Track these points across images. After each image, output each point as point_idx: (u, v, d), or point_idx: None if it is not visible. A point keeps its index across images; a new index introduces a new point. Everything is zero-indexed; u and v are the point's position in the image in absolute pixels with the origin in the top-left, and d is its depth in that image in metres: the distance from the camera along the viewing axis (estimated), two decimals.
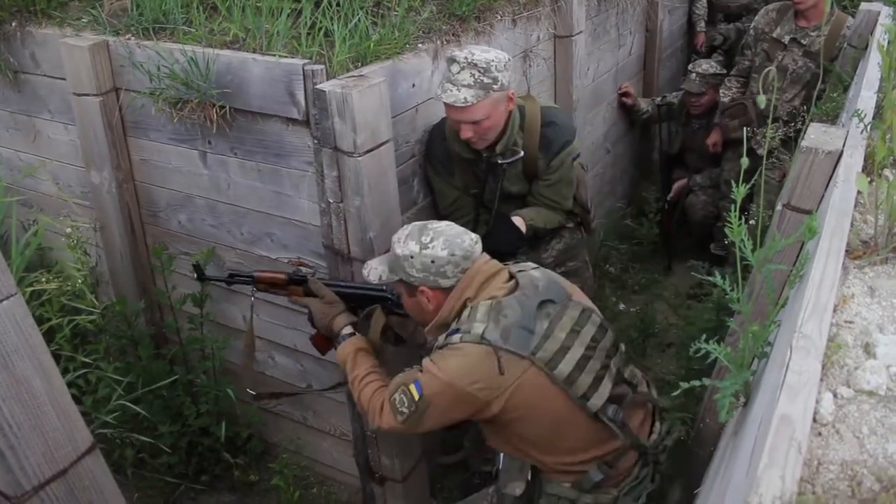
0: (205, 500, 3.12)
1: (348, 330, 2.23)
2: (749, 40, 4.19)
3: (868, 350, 1.19)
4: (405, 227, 2.08)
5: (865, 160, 1.76)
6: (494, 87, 2.42)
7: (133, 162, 2.92)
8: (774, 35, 3.97)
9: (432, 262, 1.97)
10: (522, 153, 2.62)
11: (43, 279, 2.77)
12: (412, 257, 1.98)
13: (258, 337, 2.98)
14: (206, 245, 2.88)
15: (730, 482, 1.32)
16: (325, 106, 2.25)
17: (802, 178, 1.80)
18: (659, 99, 4.82)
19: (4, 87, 3.14)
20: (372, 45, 2.46)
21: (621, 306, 4.44)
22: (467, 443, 2.72)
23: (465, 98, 2.38)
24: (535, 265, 2.14)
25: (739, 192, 1.36)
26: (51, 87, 2.99)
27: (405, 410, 1.92)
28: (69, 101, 2.85)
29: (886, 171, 1.76)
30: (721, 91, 4.35)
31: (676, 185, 4.77)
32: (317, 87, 2.27)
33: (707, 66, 4.50)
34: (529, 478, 2.07)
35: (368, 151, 2.30)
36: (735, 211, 1.36)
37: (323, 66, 2.31)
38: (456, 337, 1.91)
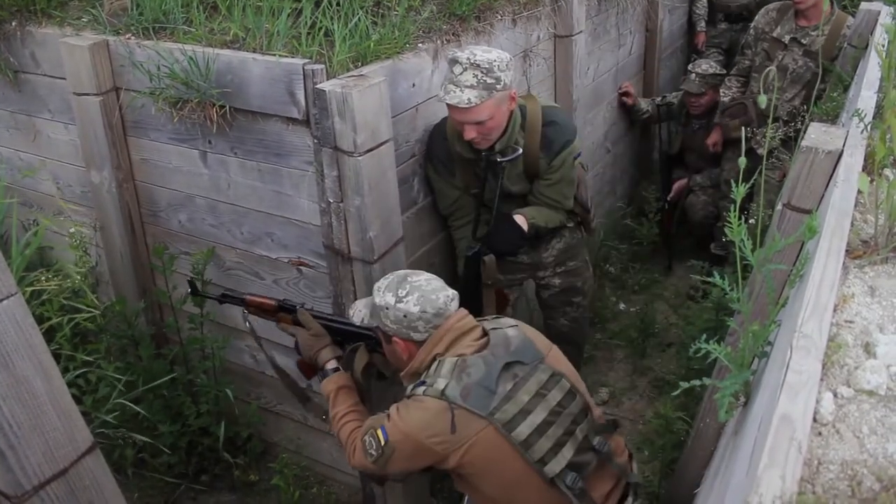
0: (205, 500, 3.12)
1: (332, 365, 2.29)
2: (749, 40, 4.19)
3: (868, 350, 1.19)
4: (389, 275, 2.12)
5: (865, 160, 1.76)
6: (497, 87, 2.42)
7: (133, 161, 2.93)
8: (774, 34, 3.97)
9: (404, 316, 2.01)
10: (521, 150, 2.62)
11: (43, 278, 2.77)
12: (387, 308, 2.03)
13: (262, 338, 2.98)
14: (206, 245, 2.88)
15: (730, 482, 1.32)
16: (326, 105, 2.25)
17: (802, 177, 1.80)
18: (659, 99, 4.83)
19: (4, 86, 3.14)
20: (372, 44, 2.46)
21: (621, 306, 4.44)
22: None
23: (468, 99, 2.38)
24: (514, 322, 2.12)
25: (739, 191, 1.36)
26: (51, 87, 2.99)
27: (374, 453, 1.99)
28: (69, 100, 2.85)
29: (887, 171, 1.76)
30: (721, 91, 4.35)
31: (676, 185, 4.77)
32: (317, 86, 2.27)
33: (707, 66, 4.50)
34: None
35: (368, 151, 2.30)
36: (735, 211, 1.36)
37: (323, 66, 2.31)
38: (420, 389, 1.95)
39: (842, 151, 1.77)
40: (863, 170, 1.71)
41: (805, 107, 3.79)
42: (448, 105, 2.46)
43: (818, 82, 3.38)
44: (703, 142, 4.52)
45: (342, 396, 2.22)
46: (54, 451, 1.62)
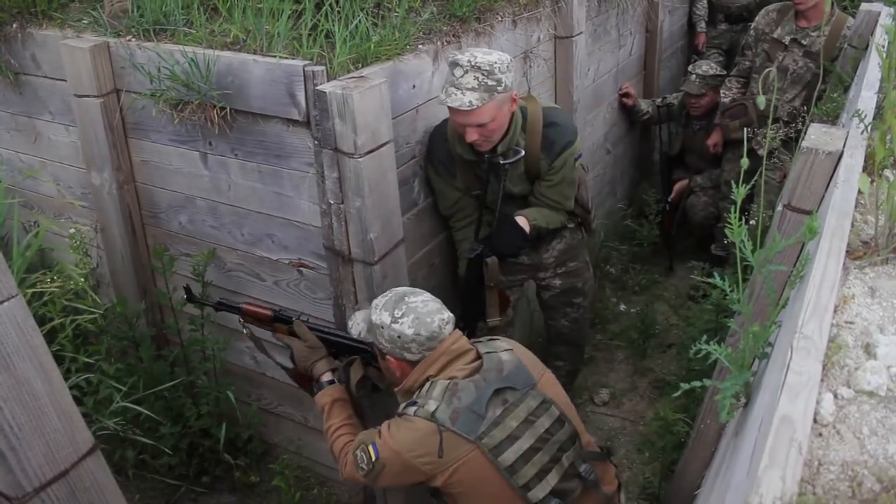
0: (205, 501, 3.12)
1: (327, 377, 2.32)
2: (749, 41, 4.19)
3: (868, 350, 1.19)
4: (388, 292, 2.13)
5: (866, 161, 1.76)
6: (499, 88, 2.42)
7: (134, 163, 2.93)
8: (775, 35, 3.97)
9: (398, 337, 2.03)
10: (523, 152, 2.62)
11: (45, 279, 2.77)
12: (382, 328, 2.05)
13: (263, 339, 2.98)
14: (206, 246, 2.88)
15: (730, 483, 1.32)
16: (326, 107, 2.25)
17: (803, 178, 1.80)
18: (659, 100, 4.83)
19: (5, 88, 3.15)
20: (372, 46, 2.46)
21: (622, 307, 4.44)
22: None
23: (470, 101, 2.38)
24: (508, 346, 2.13)
25: (739, 192, 1.36)
26: (51, 89, 2.99)
27: (364, 467, 2.02)
28: (70, 102, 2.85)
29: (887, 172, 1.76)
30: (721, 92, 4.36)
31: (677, 186, 4.77)
32: (317, 88, 2.27)
33: (707, 67, 4.50)
34: None
35: (369, 152, 2.30)
36: (735, 212, 1.36)
37: (323, 68, 2.32)
38: (411, 409, 1.98)
39: (842, 152, 1.77)
40: (863, 170, 1.71)
41: (805, 107, 3.79)
42: (449, 108, 2.46)
43: (818, 83, 3.39)
44: (704, 143, 4.52)
45: (336, 409, 2.26)
46: (55, 453, 1.62)
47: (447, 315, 2.07)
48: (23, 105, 3.14)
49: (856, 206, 1.61)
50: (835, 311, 1.28)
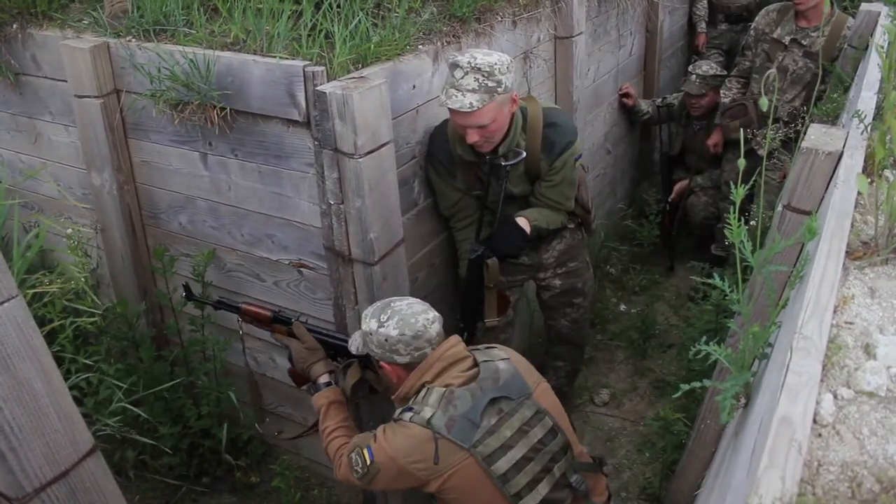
0: (206, 502, 3.12)
1: (325, 379, 2.34)
2: (749, 41, 4.19)
3: (868, 351, 1.19)
4: (377, 302, 2.17)
5: (866, 161, 1.76)
6: (499, 90, 2.42)
7: (134, 164, 2.93)
8: (775, 36, 3.97)
9: (385, 340, 2.06)
10: (524, 154, 2.62)
11: (45, 280, 2.77)
12: (371, 334, 2.08)
13: (259, 339, 2.98)
14: (206, 246, 2.88)
15: (730, 483, 1.32)
16: (326, 107, 2.25)
17: (803, 178, 1.80)
18: (659, 100, 4.83)
19: (5, 88, 3.15)
20: (372, 46, 2.46)
21: (622, 307, 4.44)
22: None
23: (470, 103, 2.38)
24: (505, 355, 2.15)
25: (738, 193, 1.36)
26: (52, 89, 2.99)
27: (359, 470, 2.05)
28: (70, 102, 2.85)
29: (887, 172, 1.76)
30: (721, 92, 4.36)
31: (677, 186, 4.77)
32: (317, 88, 2.27)
33: (707, 67, 4.50)
34: None
35: (369, 153, 2.30)
36: (735, 212, 1.36)
37: (323, 68, 2.32)
38: (407, 415, 2.01)
39: (842, 153, 1.77)
40: (863, 171, 1.71)
41: (805, 108, 3.79)
42: (450, 109, 2.46)
43: (818, 83, 3.39)
44: (704, 143, 4.52)
45: (333, 411, 2.28)
46: (55, 453, 1.62)
47: (432, 315, 2.09)
48: (23, 105, 3.14)
49: (855, 207, 1.61)
50: (834, 312, 1.28)
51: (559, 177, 2.73)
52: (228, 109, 2.50)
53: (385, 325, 2.05)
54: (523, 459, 1.98)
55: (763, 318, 1.54)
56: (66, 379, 1.81)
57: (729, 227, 1.36)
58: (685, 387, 1.44)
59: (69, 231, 2.92)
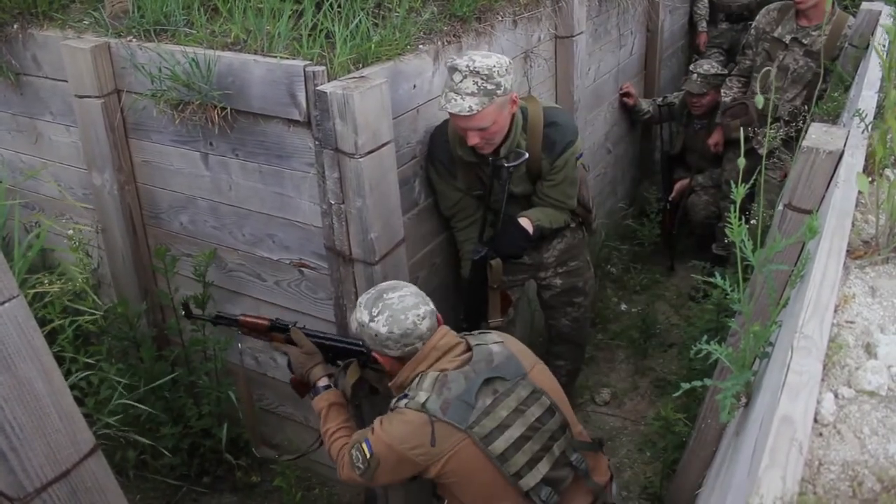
0: (206, 502, 3.13)
1: (324, 382, 2.34)
2: (750, 40, 4.18)
3: (869, 350, 1.19)
4: (372, 289, 2.16)
5: (866, 160, 1.76)
6: (498, 92, 2.42)
7: (135, 164, 2.93)
8: (775, 35, 3.97)
9: (375, 335, 2.07)
10: (527, 155, 2.62)
11: (45, 280, 2.77)
12: (363, 326, 2.09)
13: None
14: (207, 246, 2.88)
15: (731, 482, 1.32)
16: (327, 107, 2.25)
17: (803, 178, 1.80)
18: (660, 99, 4.83)
19: (6, 89, 3.15)
20: (373, 46, 2.46)
21: (623, 307, 4.44)
22: None
23: (470, 107, 2.38)
24: (499, 338, 2.15)
25: (739, 192, 1.36)
26: (52, 89, 2.99)
27: (360, 466, 2.05)
28: (71, 102, 2.85)
29: (887, 171, 1.76)
30: (722, 91, 4.35)
31: (678, 186, 4.77)
32: (318, 88, 2.27)
33: (708, 66, 4.50)
34: None
35: (370, 153, 2.30)
36: (735, 211, 1.36)
37: (324, 68, 2.32)
38: (402, 402, 2.02)
39: (843, 152, 1.77)
40: (864, 170, 1.71)
41: (806, 107, 3.78)
42: (450, 113, 2.46)
43: (819, 82, 3.39)
44: (705, 142, 4.52)
45: (333, 413, 2.28)
46: (56, 453, 1.62)
47: (423, 310, 2.07)
48: (24, 106, 3.14)
49: (856, 206, 1.61)
50: (835, 311, 1.28)
51: (561, 176, 2.73)
52: (229, 109, 2.50)
53: (375, 319, 2.05)
54: (521, 438, 1.98)
55: (764, 317, 1.54)
56: (66, 378, 1.81)
57: (730, 226, 1.36)
58: (686, 386, 1.44)
59: (71, 232, 2.92)
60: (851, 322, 1.27)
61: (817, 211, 1.77)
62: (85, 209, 3.13)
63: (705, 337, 1.45)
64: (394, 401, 2.07)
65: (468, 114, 2.39)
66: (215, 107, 2.49)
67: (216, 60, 2.44)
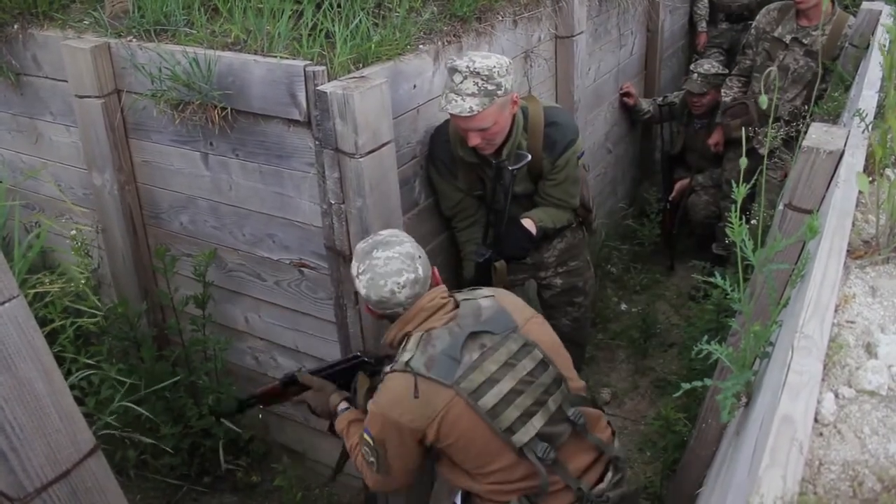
0: (207, 502, 3.12)
1: (343, 406, 2.32)
2: (750, 40, 4.19)
3: (869, 350, 1.19)
4: (369, 237, 2.13)
5: (867, 160, 1.76)
6: (499, 92, 2.42)
7: (135, 164, 2.93)
8: (776, 34, 3.97)
9: (356, 292, 2.09)
10: (529, 156, 2.61)
11: (46, 280, 2.77)
12: (353, 277, 2.09)
13: (260, 339, 2.98)
14: (207, 246, 2.88)
15: (731, 482, 1.32)
16: (327, 107, 2.25)
17: (804, 177, 1.80)
18: (660, 99, 4.83)
19: (6, 89, 3.15)
20: (373, 46, 2.46)
21: (623, 306, 4.44)
22: None
23: (470, 107, 2.38)
24: (490, 292, 2.11)
25: (740, 191, 1.36)
26: (52, 89, 2.99)
27: (372, 460, 2.01)
28: (71, 103, 2.85)
29: (888, 171, 1.76)
30: (723, 91, 4.36)
31: (678, 185, 4.77)
32: (318, 88, 2.27)
33: (709, 66, 4.51)
34: (459, 502, 2.09)
35: (370, 152, 2.30)
36: (736, 211, 1.36)
37: (324, 68, 2.32)
38: (388, 367, 2.00)
39: (843, 151, 1.77)
40: (864, 170, 1.71)
41: (806, 107, 3.78)
42: (451, 114, 2.46)
43: (819, 82, 3.39)
44: (705, 142, 4.52)
45: (353, 429, 2.24)
46: (56, 453, 1.62)
47: (406, 278, 2.00)
48: (24, 106, 3.14)
49: (857, 206, 1.61)
50: (836, 311, 1.28)
51: (562, 175, 2.73)
52: (229, 109, 2.50)
53: (359, 277, 2.04)
54: (512, 392, 1.91)
55: (764, 317, 1.54)
56: (66, 378, 1.81)
57: (730, 225, 1.36)
58: (686, 386, 1.44)
59: (73, 233, 2.92)
60: (852, 322, 1.27)
61: (818, 211, 1.77)
62: (85, 209, 3.13)
63: (706, 337, 1.45)
64: (382, 372, 2.05)
65: (469, 115, 2.39)
66: (215, 107, 2.49)
67: (216, 60, 2.44)
